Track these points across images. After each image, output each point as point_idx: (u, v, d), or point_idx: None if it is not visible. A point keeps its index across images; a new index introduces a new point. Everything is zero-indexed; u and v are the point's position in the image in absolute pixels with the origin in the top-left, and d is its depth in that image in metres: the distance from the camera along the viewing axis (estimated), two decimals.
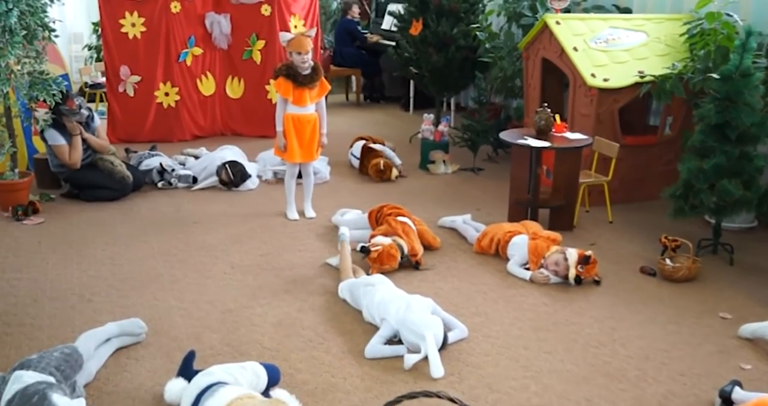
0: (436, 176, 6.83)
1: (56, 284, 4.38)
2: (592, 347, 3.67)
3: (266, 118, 7.60)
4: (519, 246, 4.67)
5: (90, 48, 10.36)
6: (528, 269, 4.54)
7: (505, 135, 5.37)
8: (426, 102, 9.45)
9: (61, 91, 5.59)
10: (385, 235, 4.68)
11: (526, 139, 5.17)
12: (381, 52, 10.12)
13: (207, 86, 8.21)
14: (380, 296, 3.82)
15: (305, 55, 5.16)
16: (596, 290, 4.35)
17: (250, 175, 6.34)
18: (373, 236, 4.73)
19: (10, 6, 5.04)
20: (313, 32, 5.38)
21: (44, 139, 5.90)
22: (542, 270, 4.45)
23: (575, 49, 5.76)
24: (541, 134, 5.25)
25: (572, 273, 4.35)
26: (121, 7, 7.69)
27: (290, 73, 5.20)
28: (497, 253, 4.80)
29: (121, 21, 7.71)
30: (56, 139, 5.84)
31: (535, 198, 5.33)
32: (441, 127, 6.99)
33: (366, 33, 10.52)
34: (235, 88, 8.32)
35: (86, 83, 9.67)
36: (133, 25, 7.73)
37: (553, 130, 5.30)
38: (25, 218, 5.50)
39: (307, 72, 5.22)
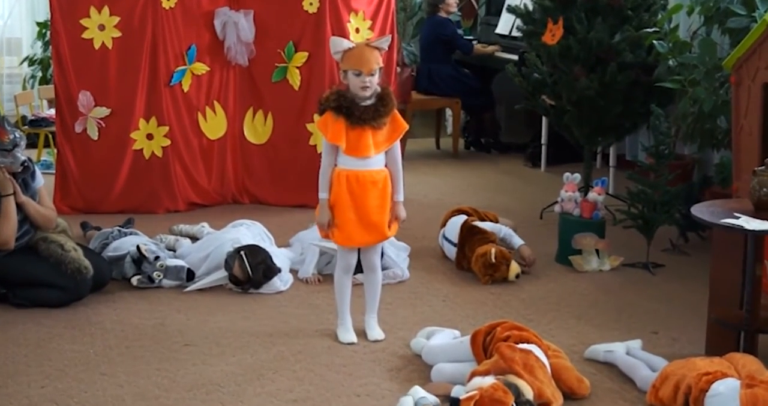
0: (585, 276, 6.83)
1: None
2: None
3: (307, 177, 7.64)
4: (725, 398, 4.57)
5: (33, 62, 10.79)
6: None
7: (700, 210, 5.34)
8: (568, 153, 9.51)
9: None
10: (495, 373, 4.68)
11: (737, 217, 5.14)
12: (495, 71, 10.25)
13: (214, 125, 8.43)
14: None
15: (369, 76, 5.24)
16: None
17: (279, 270, 6.44)
18: (474, 375, 4.72)
19: None
20: (386, 42, 5.44)
21: None
22: None
23: None
24: (762, 210, 5.21)
25: None
26: (84, 0, 7.91)
27: (342, 106, 5.28)
28: None
29: (84, 21, 7.96)
30: None
31: (752, 316, 5.26)
32: (593, 196, 7.02)
33: (472, 41, 10.69)
34: (258, 129, 8.52)
35: (24, 118, 9.94)
36: (102, 27, 7.98)
37: None
38: None
39: (369, 102, 5.30)
